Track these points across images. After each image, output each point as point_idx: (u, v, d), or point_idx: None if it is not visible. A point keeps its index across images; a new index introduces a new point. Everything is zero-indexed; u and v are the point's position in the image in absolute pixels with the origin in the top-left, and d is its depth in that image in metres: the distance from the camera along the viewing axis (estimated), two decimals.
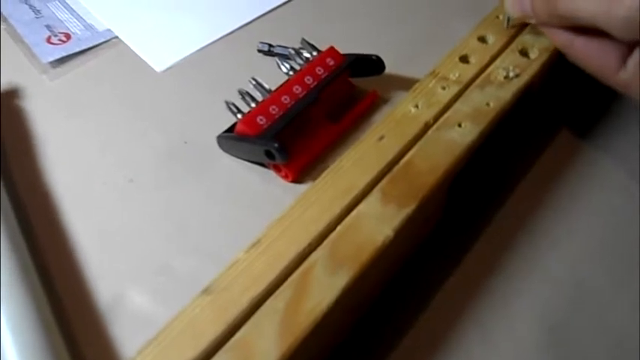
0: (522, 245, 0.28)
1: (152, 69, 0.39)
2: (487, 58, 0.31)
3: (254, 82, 0.33)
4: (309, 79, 0.32)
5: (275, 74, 0.34)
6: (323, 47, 0.34)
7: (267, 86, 0.33)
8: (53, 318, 0.25)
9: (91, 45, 0.41)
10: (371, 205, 0.25)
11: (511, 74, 0.30)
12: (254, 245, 0.24)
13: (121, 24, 0.42)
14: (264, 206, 0.30)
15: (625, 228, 0.28)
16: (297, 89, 0.32)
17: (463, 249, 0.28)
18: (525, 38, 0.32)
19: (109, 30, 0.42)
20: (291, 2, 0.43)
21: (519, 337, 0.25)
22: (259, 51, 0.39)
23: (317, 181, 0.26)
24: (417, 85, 0.30)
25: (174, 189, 0.31)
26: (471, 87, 0.30)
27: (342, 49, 0.34)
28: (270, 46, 0.38)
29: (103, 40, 0.41)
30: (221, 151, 0.33)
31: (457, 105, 0.29)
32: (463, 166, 0.27)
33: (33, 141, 0.34)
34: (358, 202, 0.25)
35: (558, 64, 0.31)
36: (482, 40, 0.32)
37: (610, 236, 0.28)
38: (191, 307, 0.22)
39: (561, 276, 0.27)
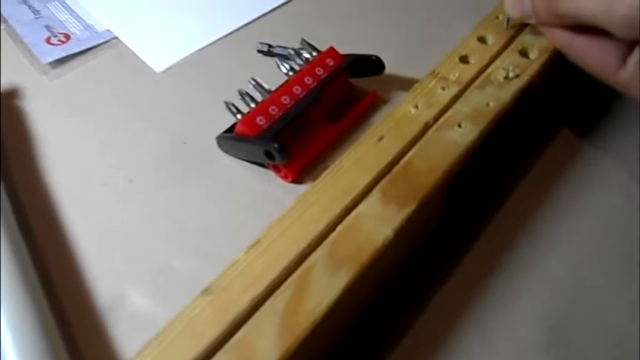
0: (522, 245, 0.28)
1: (152, 69, 0.39)
2: (487, 59, 0.31)
3: (254, 83, 0.33)
4: (308, 80, 0.32)
5: (275, 75, 0.34)
6: (323, 47, 0.34)
7: (266, 86, 0.33)
8: (53, 318, 0.25)
9: (90, 45, 0.41)
10: (371, 205, 0.25)
11: (511, 74, 0.30)
12: (254, 245, 0.24)
13: (120, 24, 0.42)
14: (264, 206, 0.30)
15: (625, 228, 0.28)
16: (297, 89, 0.32)
17: (463, 249, 0.28)
18: (525, 38, 0.32)
19: (108, 30, 0.42)
20: (291, 2, 0.43)
21: (519, 337, 0.25)
22: (259, 51, 0.39)
23: (317, 182, 0.26)
24: (416, 85, 0.30)
25: (174, 189, 0.31)
26: (471, 87, 0.30)
27: (342, 50, 0.34)
28: (270, 46, 0.38)
29: (102, 40, 0.41)
30: (221, 151, 0.33)
31: (457, 105, 0.29)
32: (463, 167, 0.27)
33: (33, 141, 0.34)
34: (358, 203, 0.25)
35: (558, 64, 0.31)
36: (482, 40, 0.32)
37: (610, 236, 0.28)
38: (191, 307, 0.22)
39: (561, 276, 0.27)
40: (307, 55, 0.34)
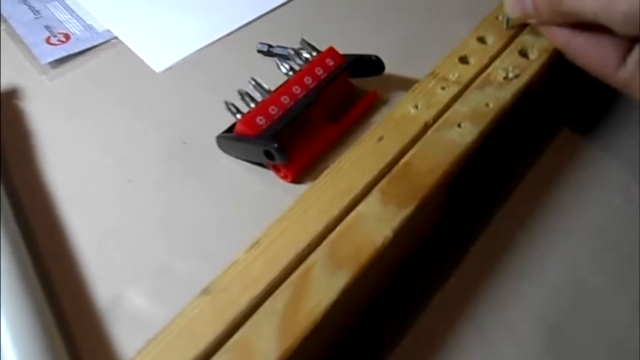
0: (522, 245, 0.28)
1: (151, 69, 0.39)
2: (486, 59, 0.31)
3: (253, 83, 0.33)
4: (308, 80, 0.32)
5: (274, 75, 0.34)
6: (322, 48, 0.34)
7: (266, 86, 0.33)
8: (52, 319, 0.25)
9: (90, 45, 0.41)
10: (370, 205, 0.25)
11: (510, 75, 0.30)
12: (253, 246, 0.24)
13: (120, 24, 0.42)
14: (264, 207, 0.30)
15: (625, 228, 0.28)
16: (297, 89, 0.32)
17: (463, 249, 0.28)
18: (525, 39, 0.32)
19: (108, 30, 0.42)
20: (291, 3, 0.43)
21: (519, 337, 0.25)
22: (259, 51, 0.39)
23: (316, 182, 0.26)
24: (416, 85, 0.30)
25: (174, 189, 0.31)
26: (471, 87, 0.30)
27: (342, 50, 0.34)
28: (270, 46, 0.38)
29: (102, 40, 0.41)
30: (220, 151, 0.33)
31: (456, 105, 0.29)
32: (463, 167, 0.27)
33: (32, 141, 0.34)
34: (358, 203, 0.25)
35: (558, 64, 0.31)
36: (481, 40, 0.32)
37: (610, 236, 0.28)
38: (190, 307, 0.22)
39: (561, 276, 0.27)
40: (307, 55, 0.34)
